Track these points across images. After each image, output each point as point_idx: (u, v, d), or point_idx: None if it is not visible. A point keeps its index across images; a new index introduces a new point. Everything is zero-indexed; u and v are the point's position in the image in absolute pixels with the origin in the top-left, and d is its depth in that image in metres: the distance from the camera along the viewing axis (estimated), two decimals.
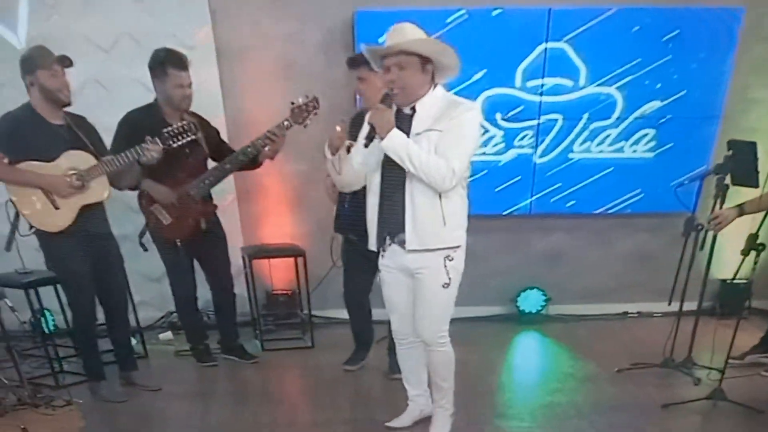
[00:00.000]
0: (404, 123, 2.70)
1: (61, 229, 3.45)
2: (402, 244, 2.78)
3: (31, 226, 3.47)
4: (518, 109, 4.58)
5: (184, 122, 3.62)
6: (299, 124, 3.78)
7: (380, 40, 3.11)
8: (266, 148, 3.85)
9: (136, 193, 3.95)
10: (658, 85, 4.52)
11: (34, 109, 3.42)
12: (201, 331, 4.41)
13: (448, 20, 4.35)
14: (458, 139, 2.64)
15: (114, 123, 3.83)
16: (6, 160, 3.37)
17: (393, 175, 2.72)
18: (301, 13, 4.47)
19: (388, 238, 2.84)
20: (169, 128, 3.58)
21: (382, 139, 2.63)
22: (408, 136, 2.67)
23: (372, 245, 2.92)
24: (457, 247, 2.81)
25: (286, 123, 3.78)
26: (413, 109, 2.71)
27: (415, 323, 2.94)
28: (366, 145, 2.71)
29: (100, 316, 3.85)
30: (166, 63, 3.75)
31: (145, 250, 4.01)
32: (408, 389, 3.27)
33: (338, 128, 2.89)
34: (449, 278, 2.80)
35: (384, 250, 2.89)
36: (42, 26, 4.33)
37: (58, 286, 4.24)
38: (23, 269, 4.07)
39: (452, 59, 2.70)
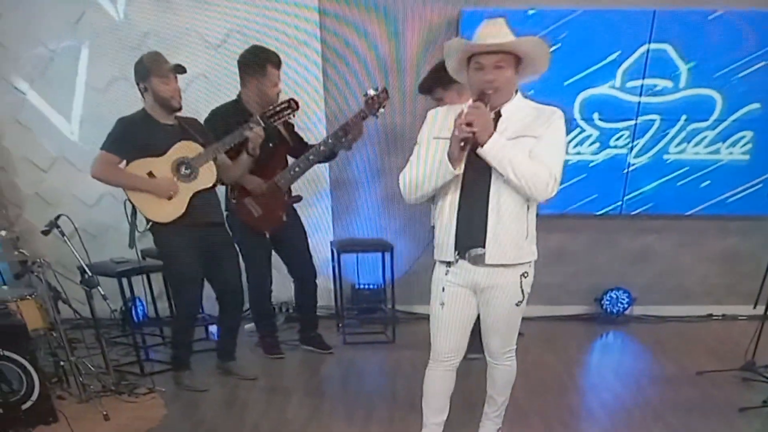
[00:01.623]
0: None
1: (173, 218, 3.52)
2: (476, 259, 2.57)
3: (148, 221, 3.55)
4: (616, 110, 4.58)
5: (284, 101, 3.69)
6: (373, 114, 3.89)
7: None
8: (344, 140, 3.95)
9: None
10: (758, 88, 4.48)
11: (148, 112, 3.53)
12: (271, 323, 4.47)
13: (554, 22, 4.37)
14: (555, 146, 2.50)
15: None
16: (119, 161, 3.50)
17: (476, 182, 2.51)
18: (406, 12, 4.52)
19: (458, 253, 2.61)
20: (270, 107, 3.68)
21: (481, 143, 2.41)
22: None
23: (448, 257, 2.63)
24: (533, 261, 2.65)
25: (362, 113, 3.89)
26: (498, 114, 2.50)
27: (485, 339, 2.79)
28: (463, 148, 2.43)
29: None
30: (267, 61, 3.84)
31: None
32: (428, 416, 2.91)
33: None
34: (524, 295, 2.64)
35: (449, 266, 2.65)
36: (153, 22, 4.48)
37: (152, 276, 4.43)
38: (119, 258, 4.22)
39: (547, 62, 2.51)
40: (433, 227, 2.71)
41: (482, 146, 2.41)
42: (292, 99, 3.72)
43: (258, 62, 3.87)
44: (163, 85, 3.46)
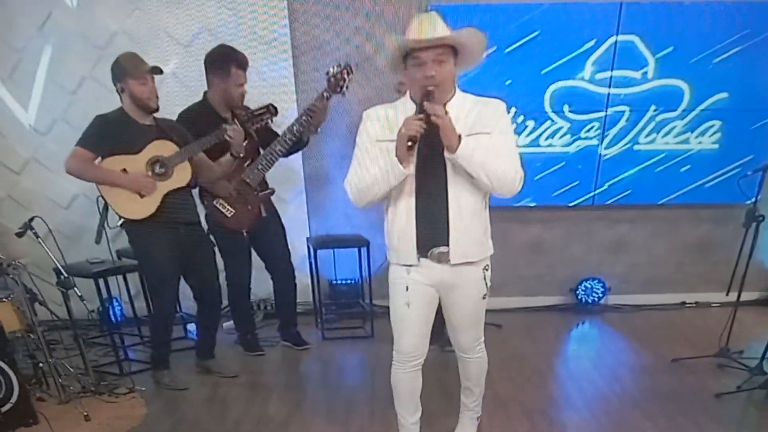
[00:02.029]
0: (436, 125, 2.40)
1: (145, 216, 3.52)
2: (440, 257, 2.55)
3: (120, 218, 3.55)
4: (586, 102, 4.61)
5: (263, 107, 3.69)
6: (338, 92, 3.79)
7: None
8: (310, 123, 3.87)
9: None
10: (725, 78, 4.53)
11: (126, 111, 3.53)
12: (250, 320, 4.46)
13: (523, 16, 4.39)
14: (511, 140, 2.50)
15: None
16: (94, 158, 3.49)
17: (431, 182, 2.47)
18: (374, 8, 4.53)
19: (420, 253, 2.56)
20: (249, 111, 3.68)
21: (451, 149, 2.35)
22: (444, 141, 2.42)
23: (409, 260, 2.58)
24: (490, 255, 2.66)
25: (325, 94, 3.80)
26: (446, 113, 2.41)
27: (453, 334, 2.80)
28: (410, 147, 2.37)
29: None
30: (231, 62, 3.82)
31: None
32: (404, 419, 2.90)
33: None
34: (487, 288, 2.66)
35: (411, 266, 2.59)
36: (124, 22, 4.45)
37: (128, 276, 4.42)
38: (94, 259, 4.20)
39: (483, 52, 2.46)
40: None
41: (453, 152, 2.36)
42: (271, 104, 3.74)
43: (222, 62, 3.85)
44: (140, 86, 3.47)
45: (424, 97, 2.36)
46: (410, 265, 2.59)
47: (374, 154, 2.48)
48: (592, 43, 4.46)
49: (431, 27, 2.34)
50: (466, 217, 2.49)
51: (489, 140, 2.42)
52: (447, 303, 2.69)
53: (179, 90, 4.43)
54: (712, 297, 5.01)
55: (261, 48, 4.41)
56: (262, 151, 4.02)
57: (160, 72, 3.53)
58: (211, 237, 4.01)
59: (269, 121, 3.75)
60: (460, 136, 2.35)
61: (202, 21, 4.45)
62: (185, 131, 3.70)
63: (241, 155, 3.74)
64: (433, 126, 2.35)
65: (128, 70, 3.46)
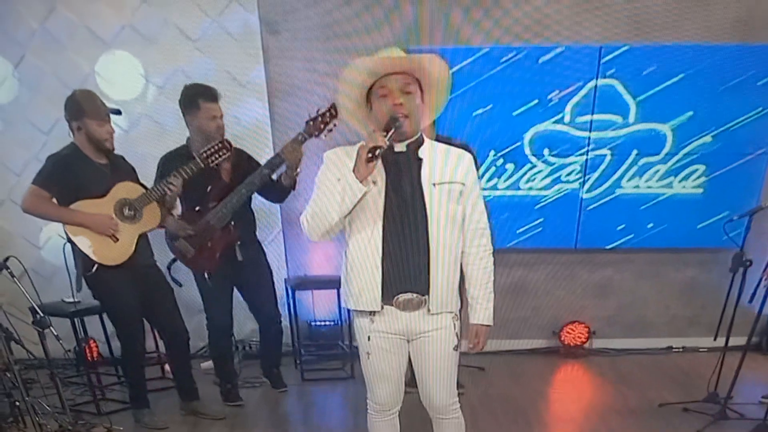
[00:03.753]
0: (409, 168, 2.37)
1: (123, 261, 3.49)
2: (406, 304, 2.43)
3: (93, 264, 3.50)
4: (566, 145, 4.58)
5: (218, 141, 3.61)
6: (315, 136, 3.68)
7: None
8: (282, 168, 3.76)
9: None
10: (709, 122, 4.50)
11: (80, 149, 3.50)
12: (231, 369, 4.29)
13: (502, 59, 4.38)
14: (480, 193, 2.50)
15: None
16: (50, 197, 3.46)
17: (405, 221, 2.37)
18: (352, 49, 4.48)
19: (383, 300, 2.44)
20: (206, 147, 3.59)
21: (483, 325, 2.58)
22: (420, 184, 2.36)
23: (372, 306, 2.45)
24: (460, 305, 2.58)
25: (300, 137, 3.68)
26: (418, 157, 2.38)
27: (425, 392, 2.61)
28: (370, 159, 2.25)
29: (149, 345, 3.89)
30: (197, 96, 3.73)
31: (179, 285, 3.99)
32: None
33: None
34: (458, 339, 2.54)
35: (373, 315, 2.47)
36: (94, 62, 4.46)
37: (104, 316, 4.35)
38: (70, 298, 4.14)
39: (447, 88, 2.42)
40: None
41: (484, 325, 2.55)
42: (226, 139, 3.64)
43: (190, 99, 3.76)
44: (99, 127, 3.45)
45: (391, 123, 2.27)
46: (372, 312, 2.46)
47: (332, 189, 2.37)
48: (572, 87, 4.43)
49: (395, 52, 2.32)
50: (446, 267, 2.41)
51: (459, 190, 2.40)
52: (416, 354, 2.54)
53: (154, 131, 4.42)
54: (700, 342, 4.93)
55: (236, 89, 4.40)
56: None
57: (119, 113, 3.52)
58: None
59: (220, 155, 3.60)
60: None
61: (175, 63, 4.44)
62: (134, 170, 3.70)
63: (173, 206, 3.68)
64: (400, 159, 2.36)
65: (86, 109, 3.44)
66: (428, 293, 2.41)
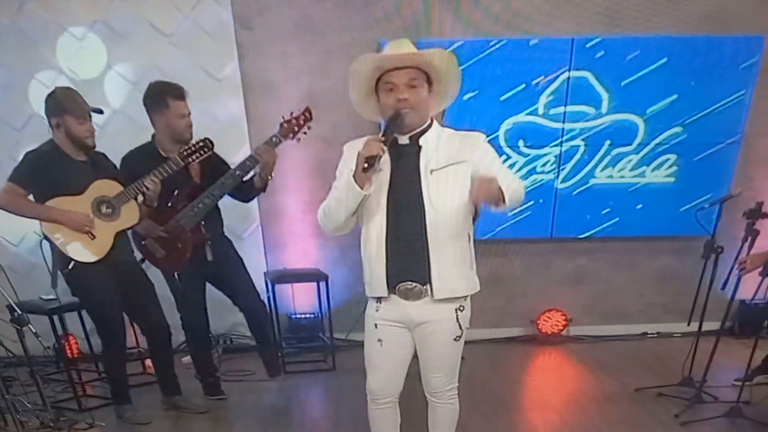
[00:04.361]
0: (409, 158, 2.38)
1: (100, 258, 3.47)
2: (406, 293, 2.42)
3: (71, 260, 3.48)
4: (540, 137, 4.62)
5: (200, 140, 3.59)
6: (290, 138, 3.66)
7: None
8: (256, 169, 3.71)
9: None
10: (680, 112, 4.56)
11: (59, 146, 3.47)
12: (210, 364, 4.27)
13: (477, 53, 4.41)
14: (495, 157, 2.41)
15: None
16: (26, 194, 3.43)
17: (403, 209, 2.38)
18: (326, 45, 4.51)
19: (389, 287, 2.45)
20: (187, 146, 3.56)
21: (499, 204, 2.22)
22: (418, 173, 2.36)
23: (379, 292, 2.48)
24: (471, 294, 2.52)
25: (274, 139, 3.65)
26: (418, 146, 2.39)
27: (424, 374, 2.63)
28: (365, 169, 2.27)
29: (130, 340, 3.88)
30: (166, 94, 3.67)
31: None
32: None
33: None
34: (461, 330, 2.50)
35: (380, 302, 2.50)
36: (68, 59, 4.41)
37: (83, 312, 4.32)
38: (47, 296, 4.13)
39: (458, 82, 2.42)
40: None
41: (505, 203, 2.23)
42: (207, 138, 3.61)
43: (157, 98, 3.70)
44: (79, 125, 3.41)
45: (394, 118, 2.30)
46: (380, 298, 2.48)
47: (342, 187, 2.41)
48: (545, 79, 4.46)
49: (403, 46, 2.32)
50: (448, 247, 2.37)
51: (465, 168, 2.35)
52: (418, 342, 2.55)
53: (127, 128, 4.35)
54: (674, 327, 5.00)
55: (211, 86, 4.37)
56: None
57: (101, 112, 3.48)
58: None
59: (201, 154, 3.57)
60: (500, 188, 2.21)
61: (149, 59, 4.40)
62: (115, 167, 3.65)
63: (154, 205, 3.63)
64: (403, 150, 2.36)
65: (67, 107, 3.40)
66: (429, 281, 2.39)
